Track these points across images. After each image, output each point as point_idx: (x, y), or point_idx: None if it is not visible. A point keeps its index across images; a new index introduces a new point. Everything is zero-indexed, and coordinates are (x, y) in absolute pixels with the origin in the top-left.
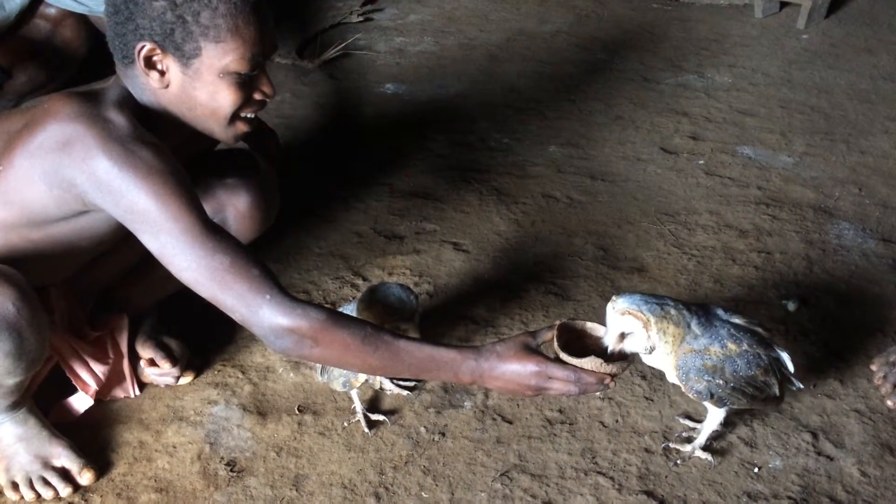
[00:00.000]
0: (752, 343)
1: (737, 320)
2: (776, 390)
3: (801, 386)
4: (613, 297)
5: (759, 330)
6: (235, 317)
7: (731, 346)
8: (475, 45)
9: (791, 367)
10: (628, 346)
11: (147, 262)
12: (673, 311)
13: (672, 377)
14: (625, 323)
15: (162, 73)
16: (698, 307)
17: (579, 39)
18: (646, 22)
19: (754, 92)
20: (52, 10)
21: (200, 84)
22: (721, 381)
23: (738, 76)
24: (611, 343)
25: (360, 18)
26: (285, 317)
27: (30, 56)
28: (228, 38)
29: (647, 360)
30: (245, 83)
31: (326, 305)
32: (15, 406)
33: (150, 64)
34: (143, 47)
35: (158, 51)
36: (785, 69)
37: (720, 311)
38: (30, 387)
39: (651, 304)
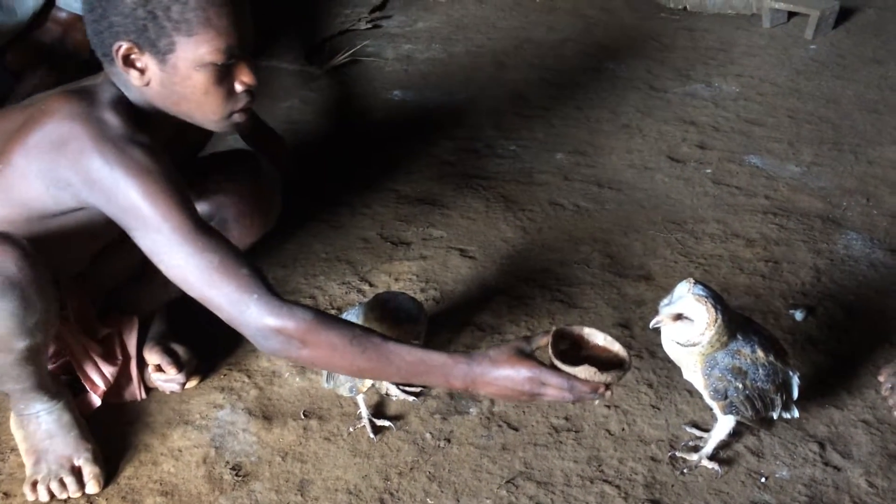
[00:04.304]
0: (775, 357)
1: (766, 333)
2: (775, 413)
3: (797, 415)
4: (692, 279)
5: (783, 348)
6: (223, 316)
7: (761, 353)
8: (483, 53)
9: (796, 393)
10: (675, 330)
11: (152, 265)
12: (731, 323)
13: (690, 373)
14: (694, 309)
15: (142, 72)
16: (740, 316)
17: (587, 48)
18: (653, 31)
19: (762, 101)
20: (62, 14)
21: (179, 79)
22: (739, 385)
23: (745, 86)
24: (664, 316)
25: (369, 25)
26: (272, 316)
27: (40, 60)
28: (201, 31)
29: (672, 350)
30: (224, 74)
31: (321, 308)
32: (49, 393)
33: (128, 62)
34: (119, 47)
35: (136, 49)
36: (793, 79)
37: (753, 321)
38: (59, 376)
39: (721, 305)
